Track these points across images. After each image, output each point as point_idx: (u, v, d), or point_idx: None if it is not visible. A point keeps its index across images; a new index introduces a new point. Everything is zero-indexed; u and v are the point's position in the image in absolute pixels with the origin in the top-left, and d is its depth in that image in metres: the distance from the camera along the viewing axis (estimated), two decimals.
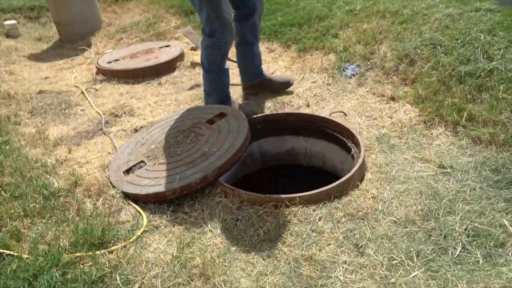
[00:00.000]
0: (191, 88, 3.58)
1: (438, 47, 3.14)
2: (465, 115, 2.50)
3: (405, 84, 3.02)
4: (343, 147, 2.54)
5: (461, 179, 2.10)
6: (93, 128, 3.03)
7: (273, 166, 2.93)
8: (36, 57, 5.40)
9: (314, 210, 1.94)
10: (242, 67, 3.16)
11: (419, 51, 3.16)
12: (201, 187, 2.06)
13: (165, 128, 2.57)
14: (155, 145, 2.42)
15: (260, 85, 3.19)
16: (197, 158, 2.19)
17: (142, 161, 2.31)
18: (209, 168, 2.07)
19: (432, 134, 2.51)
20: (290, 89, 3.24)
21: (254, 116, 2.74)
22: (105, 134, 2.89)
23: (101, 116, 3.15)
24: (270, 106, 3.09)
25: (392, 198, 2.03)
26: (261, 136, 2.78)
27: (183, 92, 3.54)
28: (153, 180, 2.12)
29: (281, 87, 3.16)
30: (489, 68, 2.70)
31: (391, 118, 2.72)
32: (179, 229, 1.92)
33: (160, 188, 2.04)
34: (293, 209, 1.94)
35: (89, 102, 3.46)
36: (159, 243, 1.85)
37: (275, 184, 2.93)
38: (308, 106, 3.01)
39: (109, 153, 2.62)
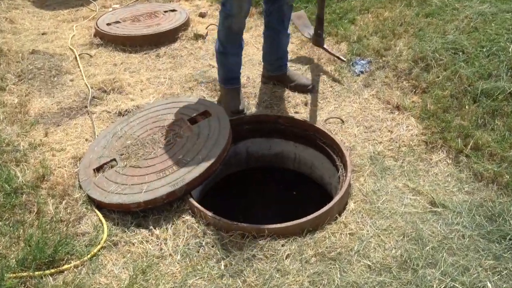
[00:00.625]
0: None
1: (460, 53, 2.82)
2: (471, 143, 2.26)
3: (414, 92, 2.75)
4: (332, 162, 2.35)
5: (451, 222, 1.92)
6: (78, 104, 2.87)
7: (259, 168, 2.77)
8: (41, 3, 5.14)
9: (283, 245, 1.80)
10: (263, 54, 2.92)
11: (437, 55, 2.85)
12: (168, 202, 1.93)
13: (145, 121, 2.41)
14: (131, 140, 2.28)
15: (278, 79, 2.95)
16: (169, 166, 2.04)
17: (114, 159, 2.18)
18: (177, 182, 1.93)
19: (431, 159, 2.29)
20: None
21: (243, 115, 2.54)
22: (88, 114, 2.74)
23: (88, 90, 2.99)
24: (266, 100, 2.87)
25: (372, 237, 1.87)
26: (249, 136, 2.60)
27: (179, 69, 3.32)
28: (120, 186, 1.99)
29: (297, 89, 2.90)
30: (510, 90, 2.41)
31: (391, 132, 2.49)
32: (138, 249, 1.82)
33: (125, 199, 1.92)
34: (260, 242, 1.80)
35: (81, 71, 3.28)
36: (115, 264, 1.76)
37: (260, 186, 2.78)
38: (306, 104, 2.79)
39: (86, 140, 2.49)
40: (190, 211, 1.96)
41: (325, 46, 3.15)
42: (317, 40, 3.11)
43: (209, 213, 1.85)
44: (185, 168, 2.00)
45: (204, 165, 1.98)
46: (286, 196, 2.81)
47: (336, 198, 1.90)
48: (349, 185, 2.05)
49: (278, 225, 1.79)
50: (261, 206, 2.79)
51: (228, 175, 2.72)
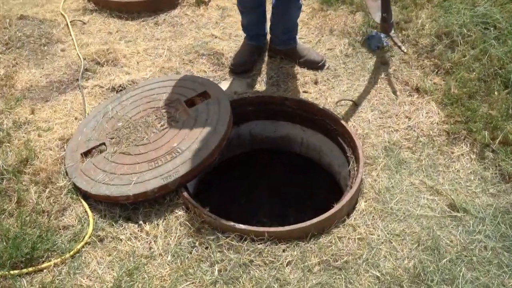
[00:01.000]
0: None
1: (491, 29, 2.52)
2: (499, 137, 2.03)
3: (437, 73, 2.48)
4: (343, 151, 2.14)
5: (472, 230, 1.73)
6: (69, 77, 2.66)
7: (264, 150, 2.57)
8: None
9: (284, 251, 1.63)
10: (271, 25, 2.65)
11: (465, 30, 2.55)
12: (159, 195, 1.76)
13: (139, 100, 2.19)
14: (122, 122, 2.08)
15: (286, 53, 2.68)
16: (162, 155, 1.85)
17: (104, 144, 1.99)
18: (170, 175, 1.75)
19: (453, 153, 2.06)
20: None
21: (246, 96, 2.32)
22: (79, 88, 2.53)
23: (81, 61, 2.76)
24: (272, 76, 2.62)
25: (382, 243, 1.69)
26: (252, 118, 2.38)
27: (179, 39, 3.05)
28: (108, 175, 1.81)
29: (307, 65, 2.64)
30: None
31: (409, 119, 2.25)
32: (126, 246, 1.66)
33: (113, 191, 1.74)
34: (259, 246, 1.63)
35: (73, 39, 3.03)
36: (99, 263, 1.61)
37: (263, 169, 2.60)
38: (316, 83, 2.54)
39: (76, 118, 2.29)
40: (184, 205, 1.78)
41: (392, 33, 2.57)
42: (382, 26, 2.54)
43: (205, 211, 1.68)
44: (179, 158, 1.81)
45: (200, 156, 1.79)
46: (291, 180, 2.63)
47: (345, 199, 1.70)
48: (361, 182, 1.85)
49: (280, 229, 1.61)
50: (264, 189, 2.62)
51: (230, 158, 2.53)
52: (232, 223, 1.62)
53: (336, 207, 1.67)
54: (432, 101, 2.32)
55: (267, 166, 2.60)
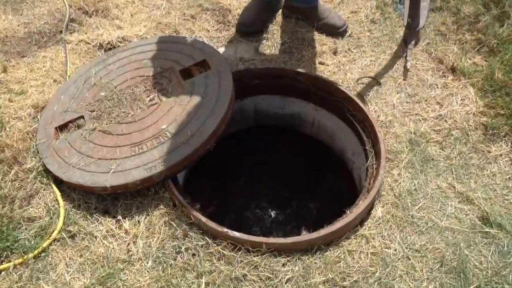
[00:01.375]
0: None
1: None
2: None
3: (478, 50, 2.11)
4: (360, 139, 1.84)
5: (507, 251, 1.47)
6: (51, 28, 2.31)
7: (270, 127, 2.27)
8: None
9: (284, 265, 1.39)
10: None
11: None
12: (142, 188, 1.50)
13: (127, 65, 1.87)
14: (106, 92, 1.77)
15: (303, 13, 2.29)
16: (148, 138, 1.56)
17: (82, 117, 1.70)
18: (156, 165, 1.47)
19: (490, 152, 1.76)
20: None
21: (252, 67, 1.98)
22: (62, 43, 2.19)
23: (66, 9, 2.40)
24: (285, 42, 2.25)
25: (399, 260, 1.45)
26: (259, 92, 2.06)
27: None
28: (84, 159, 1.55)
29: (326, 30, 2.25)
30: None
31: (441, 106, 1.93)
32: (100, 247, 1.43)
33: (87, 179, 1.48)
34: (255, 258, 1.39)
35: None
36: (68, 266, 1.39)
37: (267, 148, 2.32)
38: (335, 53, 2.18)
39: (55, 81, 1.99)
40: (170, 200, 1.53)
41: (411, 44, 2.10)
42: (404, 32, 2.14)
43: (193, 211, 1.42)
44: (167, 144, 1.52)
45: (193, 145, 1.50)
46: (298, 163, 2.36)
47: (360, 207, 1.44)
48: (380, 186, 1.57)
49: (280, 240, 1.36)
50: (266, 171, 2.36)
51: (230, 134, 2.24)
52: (225, 230, 1.37)
53: (349, 216, 1.41)
54: (470, 85, 1.98)
55: (272, 145, 2.32)
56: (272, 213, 2.27)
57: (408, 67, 2.04)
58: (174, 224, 1.47)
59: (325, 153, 2.23)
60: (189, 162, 1.51)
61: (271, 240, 1.35)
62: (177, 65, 1.80)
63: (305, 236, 1.37)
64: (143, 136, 1.56)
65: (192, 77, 1.76)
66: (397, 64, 2.10)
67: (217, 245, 1.41)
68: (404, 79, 2.00)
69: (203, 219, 1.39)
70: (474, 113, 1.88)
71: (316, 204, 2.30)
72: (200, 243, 1.42)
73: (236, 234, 1.36)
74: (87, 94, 1.78)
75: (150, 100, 1.69)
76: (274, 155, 2.35)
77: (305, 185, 2.33)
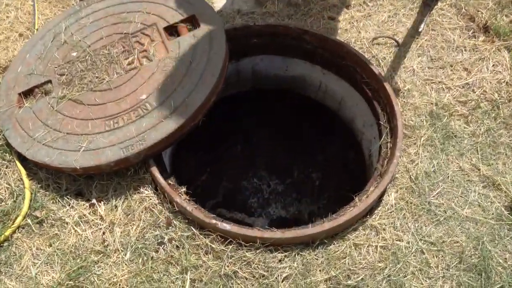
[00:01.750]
0: None
1: None
2: None
3: None
4: (372, 109, 1.61)
5: None
6: None
7: (270, 90, 2.03)
8: None
9: (280, 261, 1.22)
10: None
11: None
12: (118, 170, 1.29)
13: (103, 19, 1.59)
14: (78, 52, 1.51)
15: None
16: (125, 111, 1.33)
17: (50, 82, 1.46)
18: (134, 144, 1.26)
19: None
20: None
21: (250, 24, 1.70)
22: None
23: None
24: None
25: (412, 254, 1.27)
26: (258, 52, 1.80)
27: None
28: (51, 133, 1.33)
29: None
30: None
31: (469, 72, 1.67)
32: (72, 236, 1.25)
33: (54, 158, 1.27)
34: (247, 253, 1.21)
35: None
36: (35, 257, 1.22)
37: (269, 111, 2.08)
38: (347, 7, 1.88)
39: (21, 35, 1.73)
40: (153, 182, 1.33)
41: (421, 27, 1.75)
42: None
43: (177, 197, 1.22)
44: (147, 119, 1.29)
45: (177, 120, 1.27)
46: (300, 129, 2.14)
47: (371, 196, 1.23)
48: (395, 169, 1.35)
49: (278, 234, 1.17)
50: (266, 136, 2.15)
51: (225, 97, 2.00)
52: (213, 221, 1.18)
53: (358, 207, 1.21)
54: (505, 49, 1.70)
55: (272, 109, 2.08)
56: (271, 183, 2.09)
57: (421, 30, 1.75)
58: (155, 211, 1.28)
59: (332, 120, 2.00)
60: (173, 140, 1.29)
61: (267, 234, 1.16)
62: (162, 21, 1.52)
63: (306, 229, 1.18)
64: (120, 108, 1.33)
65: (178, 36, 1.50)
66: (422, 23, 1.80)
67: (205, 236, 1.23)
68: (416, 36, 1.71)
69: (189, 207, 1.20)
70: (507, 83, 1.62)
71: (319, 174, 2.10)
72: (185, 233, 1.24)
73: (227, 226, 1.17)
74: (56, 53, 1.52)
75: (129, 64, 1.44)
76: (274, 120, 2.12)
77: (308, 153, 2.12)
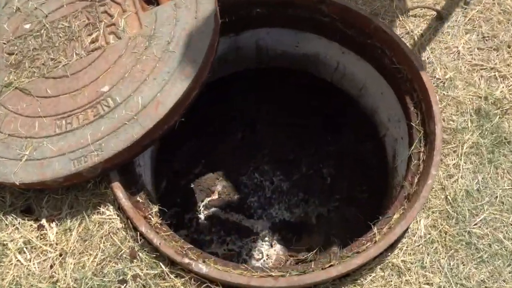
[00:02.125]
0: None
1: None
2: None
3: None
4: (404, 107, 1.27)
5: None
6: None
7: (277, 68, 1.69)
8: None
9: None
10: None
11: None
12: (68, 185, 1.02)
13: None
14: (31, 24, 1.21)
15: None
16: (81, 107, 1.04)
17: None
18: (87, 155, 0.97)
19: None
20: None
21: None
22: None
23: None
24: None
25: None
26: (262, 24, 1.45)
27: None
28: None
29: None
30: None
31: None
32: (13, 266, 1.01)
33: None
34: None
35: None
36: None
37: (275, 94, 1.75)
38: None
39: None
40: (115, 201, 1.05)
41: None
42: None
43: (143, 227, 0.95)
44: (108, 119, 1.00)
45: (144, 123, 0.97)
46: (311, 115, 1.82)
47: (397, 229, 0.93)
48: (429, 191, 1.04)
49: (270, 283, 0.89)
50: (270, 123, 1.84)
51: (223, 77, 1.68)
52: (186, 260, 0.91)
53: (377, 246, 0.92)
54: None
55: (279, 92, 1.75)
56: (274, 179, 1.79)
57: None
58: (117, 239, 1.01)
59: (349, 107, 1.66)
60: (139, 150, 1.00)
61: (255, 281, 0.88)
62: None
63: (307, 276, 0.89)
64: (75, 103, 1.04)
65: (156, 5, 1.16)
66: None
67: (176, 276, 0.96)
68: (465, 6, 1.33)
69: (156, 240, 0.93)
70: None
71: (331, 170, 1.79)
72: (152, 271, 0.97)
73: (203, 269, 0.90)
74: (5, 25, 1.22)
75: (92, 42, 1.13)
76: (281, 105, 1.80)
77: (319, 144, 1.80)
